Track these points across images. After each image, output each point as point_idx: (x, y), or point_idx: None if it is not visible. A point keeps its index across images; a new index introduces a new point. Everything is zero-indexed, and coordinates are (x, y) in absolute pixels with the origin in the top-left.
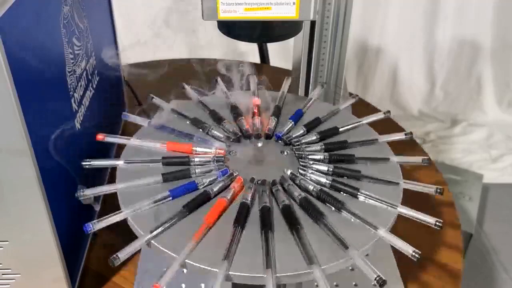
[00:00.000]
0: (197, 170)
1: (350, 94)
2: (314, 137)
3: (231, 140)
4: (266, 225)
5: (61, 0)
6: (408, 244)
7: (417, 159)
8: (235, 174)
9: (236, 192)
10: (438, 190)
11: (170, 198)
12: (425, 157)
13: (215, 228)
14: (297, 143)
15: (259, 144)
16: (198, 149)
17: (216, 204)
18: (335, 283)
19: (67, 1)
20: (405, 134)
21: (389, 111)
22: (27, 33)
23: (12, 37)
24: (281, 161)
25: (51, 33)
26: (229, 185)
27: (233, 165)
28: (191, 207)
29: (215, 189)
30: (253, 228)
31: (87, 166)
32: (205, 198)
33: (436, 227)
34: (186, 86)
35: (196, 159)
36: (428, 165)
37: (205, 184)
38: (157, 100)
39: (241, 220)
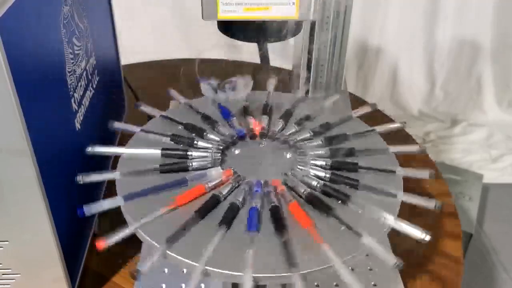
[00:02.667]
0: (239, 199)
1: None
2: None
3: (216, 158)
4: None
5: (61, 0)
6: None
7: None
8: (267, 180)
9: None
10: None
11: (257, 233)
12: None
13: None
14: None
15: (236, 152)
16: (211, 184)
17: (293, 209)
18: (335, 283)
19: (67, 1)
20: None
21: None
22: (27, 33)
23: (12, 37)
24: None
25: (51, 33)
26: (274, 192)
27: (247, 174)
28: (281, 227)
29: (274, 200)
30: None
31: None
32: (278, 212)
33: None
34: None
35: (224, 192)
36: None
37: (260, 203)
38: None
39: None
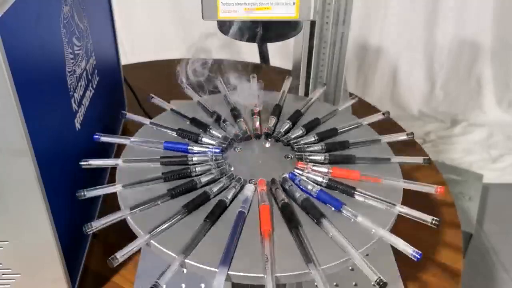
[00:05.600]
0: (300, 195)
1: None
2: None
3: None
4: (350, 187)
5: (61, 0)
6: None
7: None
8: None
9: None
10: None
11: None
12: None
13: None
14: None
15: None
16: (265, 198)
17: (337, 172)
18: (335, 283)
19: (67, 1)
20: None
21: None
22: (27, 33)
23: (12, 37)
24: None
25: (51, 33)
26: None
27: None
28: (352, 188)
29: (323, 176)
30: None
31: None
32: (338, 183)
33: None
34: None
35: (284, 197)
36: (429, 165)
37: (304, 193)
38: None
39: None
